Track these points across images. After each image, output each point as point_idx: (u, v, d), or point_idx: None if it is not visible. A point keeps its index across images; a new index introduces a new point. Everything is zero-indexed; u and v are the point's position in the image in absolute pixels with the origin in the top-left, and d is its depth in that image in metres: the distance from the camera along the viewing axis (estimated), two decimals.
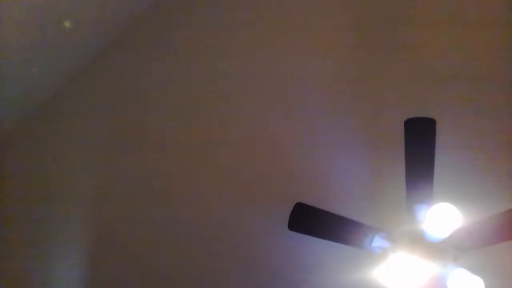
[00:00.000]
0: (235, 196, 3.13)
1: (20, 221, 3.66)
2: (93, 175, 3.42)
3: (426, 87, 2.72)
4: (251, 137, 3.04)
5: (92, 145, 3.39)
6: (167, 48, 3.11)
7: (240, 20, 2.98)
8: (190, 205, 3.23)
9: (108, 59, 3.26)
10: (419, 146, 2.20)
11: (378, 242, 2.28)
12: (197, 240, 3.28)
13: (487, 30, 2.60)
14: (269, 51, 2.93)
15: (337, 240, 2.37)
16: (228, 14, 2.99)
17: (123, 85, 3.24)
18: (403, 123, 2.20)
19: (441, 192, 2.33)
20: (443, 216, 2.07)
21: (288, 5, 2.89)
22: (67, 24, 3.00)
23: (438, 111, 2.36)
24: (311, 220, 2.42)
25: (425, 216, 2.17)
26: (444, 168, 2.34)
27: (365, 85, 2.80)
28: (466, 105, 2.67)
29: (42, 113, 3.52)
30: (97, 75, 3.32)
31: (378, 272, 2.19)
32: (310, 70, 2.88)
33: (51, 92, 3.42)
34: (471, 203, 2.28)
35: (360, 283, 2.69)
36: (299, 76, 2.90)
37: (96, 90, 3.34)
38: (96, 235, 3.49)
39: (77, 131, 3.43)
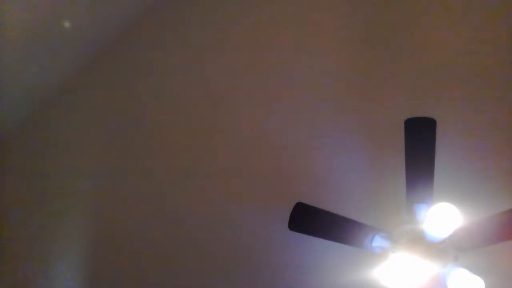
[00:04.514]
0: (235, 196, 3.13)
1: (20, 221, 3.66)
2: (94, 174, 3.42)
3: (426, 87, 2.72)
4: (251, 137, 3.04)
5: (92, 144, 3.39)
6: (168, 48, 3.11)
7: (241, 19, 2.98)
8: (190, 204, 3.23)
9: (109, 58, 3.25)
10: (419, 146, 2.20)
11: (378, 242, 2.28)
12: (197, 240, 3.28)
13: (488, 30, 2.60)
14: (270, 51, 2.93)
15: (337, 240, 2.38)
16: (230, 13, 2.99)
17: (123, 84, 3.24)
18: (403, 123, 2.20)
19: (441, 192, 2.33)
20: (443, 216, 2.07)
21: (289, 6, 2.89)
22: (67, 24, 3.00)
23: (438, 111, 2.36)
24: (311, 220, 2.42)
25: (425, 216, 2.18)
26: (444, 168, 2.34)
27: (365, 85, 2.80)
28: (466, 105, 2.67)
29: (42, 113, 3.52)
30: (98, 74, 3.31)
31: (378, 272, 2.19)
32: (310, 70, 2.88)
33: (51, 91, 3.42)
34: (471, 203, 2.28)
35: (360, 283, 2.70)
36: (299, 76, 2.90)
37: (97, 89, 3.34)
38: (96, 234, 3.49)
39: (77, 130, 3.43)
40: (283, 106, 2.96)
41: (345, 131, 2.85)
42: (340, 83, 2.84)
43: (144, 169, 3.27)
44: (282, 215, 2.46)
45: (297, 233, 2.45)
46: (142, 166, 3.27)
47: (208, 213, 3.19)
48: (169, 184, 3.25)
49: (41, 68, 3.24)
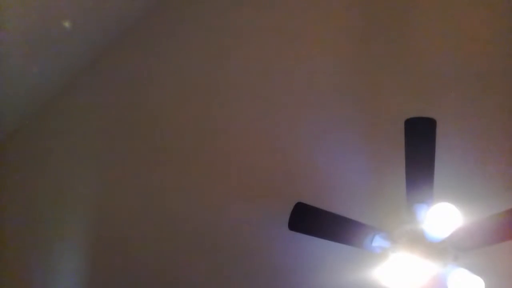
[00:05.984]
0: (235, 196, 3.13)
1: (20, 221, 3.66)
2: (94, 174, 3.42)
3: (426, 87, 2.72)
4: (251, 137, 3.04)
5: (93, 145, 3.39)
6: (168, 48, 3.11)
7: (242, 19, 2.98)
8: (190, 205, 3.23)
9: (109, 58, 3.25)
10: (419, 146, 2.20)
11: (378, 242, 2.28)
12: (196, 240, 3.28)
13: (488, 31, 2.60)
14: (271, 51, 2.93)
15: (337, 240, 2.38)
16: (231, 13, 2.99)
17: (123, 84, 3.24)
18: (403, 123, 2.20)
19: (441, 192, 2.33)
20: (443, 216, 2.07)
21: (288, 7, 2.89)
22: (67, 24, 3.00)
23: (438, 111, 2.36)
24: (311, 220, 2.42)
25: (425, 216, 2.17)
26: (444, 168, 2.34)
27: (365, 85, 2.80)
28: (466, 105, 2.67)
29: (42, 113, 3.51)
30: (98, 74, 3.31)
31: (378, 272, 2.19)
32: (310, 70, 2.88)
33: (51, 91, 3.42)
34: (471, 203, 2.28)
35: (360, 283, 2.69)
36: (300, 75, 2.90)
37: (97, 89, 3.34)
38: (96, 235, 3.49)
39: (77, 130, 3.43)
40: (283, 106, 2.96)
41: (345, 131, 2.85)
42: (340, 83, 2.84)
43: (144, 169, 3.27)
44: (282, 215, 2.46)
45: (297, 233, 2.45)
46: (142, 166, 3.27)
47: (208, 213, 3.19)
48: (169, 184, 3.24)
49: (41, 68, 3.24)
